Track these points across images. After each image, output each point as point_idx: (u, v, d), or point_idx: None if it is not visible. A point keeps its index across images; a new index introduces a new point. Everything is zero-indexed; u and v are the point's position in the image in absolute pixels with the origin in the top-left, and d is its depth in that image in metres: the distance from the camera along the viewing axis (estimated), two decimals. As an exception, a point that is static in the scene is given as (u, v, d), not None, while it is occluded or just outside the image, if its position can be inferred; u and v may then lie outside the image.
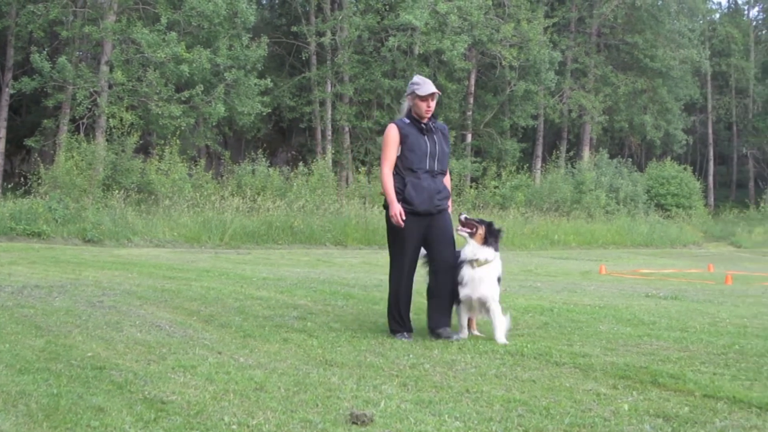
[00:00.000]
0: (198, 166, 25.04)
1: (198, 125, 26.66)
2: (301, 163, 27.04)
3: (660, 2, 38.45)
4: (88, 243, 18.48)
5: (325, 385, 4.76)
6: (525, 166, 34.77)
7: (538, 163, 37.30)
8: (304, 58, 31.29)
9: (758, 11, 54.71)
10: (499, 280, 6.61)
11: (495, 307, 6.50)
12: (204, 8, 24.24)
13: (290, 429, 3.84)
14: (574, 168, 34.56)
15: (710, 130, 48.15)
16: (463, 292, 6.49)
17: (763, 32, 53.72)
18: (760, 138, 48.91)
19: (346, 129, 31.29)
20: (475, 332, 6.89)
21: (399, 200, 6.49)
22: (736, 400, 4.54)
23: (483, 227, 6.58)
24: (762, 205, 40.06)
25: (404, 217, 6.46)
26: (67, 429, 3.77)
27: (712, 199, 45.65)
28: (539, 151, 37.90)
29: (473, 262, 6.47)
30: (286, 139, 36.61)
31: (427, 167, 6.59)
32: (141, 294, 8.93)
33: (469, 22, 29.97)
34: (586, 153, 37.95)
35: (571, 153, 37.81)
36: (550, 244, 26.01)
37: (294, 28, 30.62)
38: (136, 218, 20.35)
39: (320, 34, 30.09)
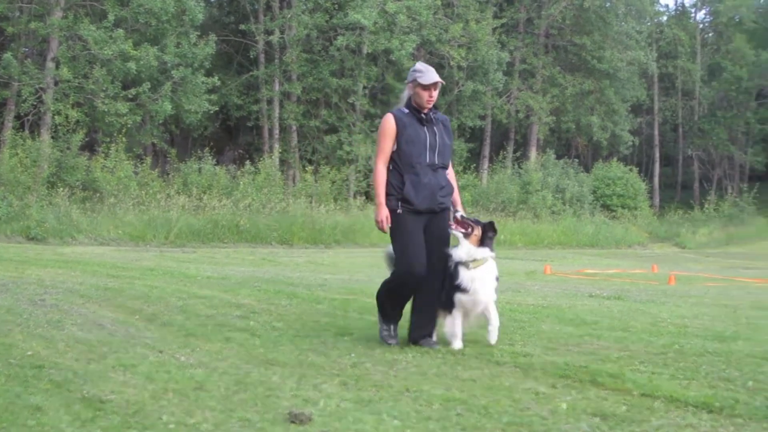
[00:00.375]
0: (144, 164, 25.46)
1: (144, 123, 27.18)
2: (247, 162, 27.75)
3: (608, 4, 39.96)
4: (31, 241, 18.73)
5: (266, 384, 4.88)
6: (472, 167, 35.89)
7: (485, 164, 38.50)
8: (252, 57, 32.04)
9: (705, 14, 57.02)
10: (497, 279, 6.51)
11: (493, 309, 6.45)
12: (152, 5, 24.85)
13: (228, 428, 3.96)
14: (521, 168, 35.85)
15: (656, 132, 50.21)
16: (464, 297, 6.30)
17: (710, 35, 55.92)
18: (706, 140, 51.08)
19: (294, 128, 32.20)
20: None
21: (398, 198, 6.33)
22: (673, 399, 4.75)
23: (479, 228, 6.39)
24: (706, 206, 41.97)
25: (390, 224, 6.30)
26: (3, 429, 3.84)
27: (658, 200, 47.56)
28: (486, 151, 39.15)
29: (469, 263, 6.29)
30: (233, 137, 37.32)
31: (428, 160, 6.38)
32: (83, 292, 9.03)
33: (417, 22, 31.09)
34: (533, 153, 39.37)
35: (518, 153, 38.94)
36: (496, 245, 26.69)
37: (242, 26, 31.31)
38: (80, 216, 20.55)
39: (269, 33, 30.89)
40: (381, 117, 25.66)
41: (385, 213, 6.26)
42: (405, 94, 6.59)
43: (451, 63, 32.80)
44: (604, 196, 37.40)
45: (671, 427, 4.19)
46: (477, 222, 6.43)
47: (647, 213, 39.31)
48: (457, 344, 6.32)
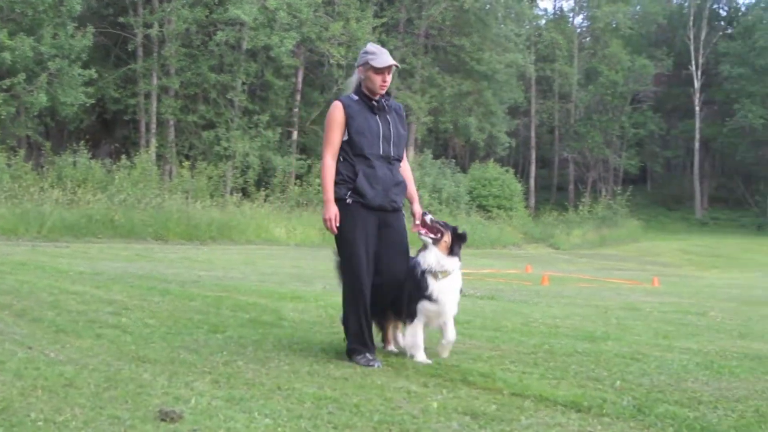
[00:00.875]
0: (17, 157, 25.62)
1: (19, 114, 27.69)
2: (123, 156, 28.42)
3: (488, 6, 42.63)
4: None
5: (137, 381, 4.96)
6: None
7: None
8: (130, 50, 32.91)
9: (583, 19, 60.83)
10: (461, 291, 6.35)
11: (451, 322, 6.25)
12: (29, -5, 25.50)
13: (98, 426, 4.00)
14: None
15: (533, 134, 53.53)
16: (431, 307, 6.09)
17: (587, 39, 59.69)
18: (581, 143, 54.70)
19: (171, 122, 33.40)
20: (392, 347, 6.62)
21: (348, 188, 6.05)
22: (542, 398, 5.02)
23: (449, 233, 6.14)
24: (580, 208, 45.07)
25: (338, 223, 6.02)
26: None
27: (533, 202, 50.62)
28: (363, 149, 40.93)
29: (438, 274, 6.07)
30: (109, 131, 37.67)
31: (381, 152, 6.08)
32: (-50, 288, 9.04)
33: (298, 19, 32.73)
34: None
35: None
36: None
37: (121, 19, 31.98)
38: (-50, 209, 20.52)
39: (148, 26, 31.95)
40: (260, 113, 27.43)
41: (333, 211, 5.99)
42: (353, 79, 6.29)
43: (331, 61, 34.58)
44: (480, 196, 39.66)
45: (540, 426, 4.40)
46: (446, 226, 6.21)
47: (523, 214, 41.61)
48: (421, 357, 6.15)
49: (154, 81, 32.74)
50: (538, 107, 54.26)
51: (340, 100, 6.18)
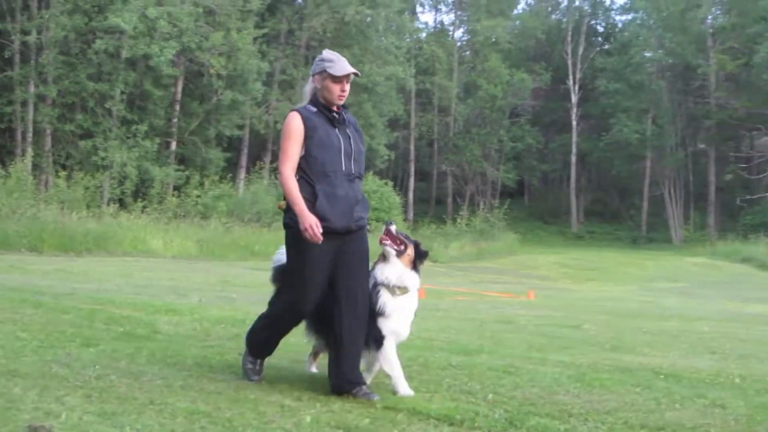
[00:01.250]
0: None
1: None
2: None
3: (369, 19, 44.25)
4: None
5: (6, 396, 4.96)
6: (228, 176, 38.24)
7: (242, 174, 41.53)
8: (6, 57, 33.32)
9: (463, 33, 63.44)
10: (414, 314, 6.09)
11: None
12: None
13: None
14: (277, 179, 37.99)
15: (412, 147, 55.66)
16: (390, 324, 5.86)
17: (467, 53, 62.25)
18: (460, 156, 57.01)
19: (48, 131, 33.99)
20: (315, 369, 6.53)
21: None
22: (415, 411, 5.20)
23: (412, 247, 6.00)
24: (459, 221, 46.50)
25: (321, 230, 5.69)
26: None
27: (412, 215, 52.48)
28: (243, 161, 42.47)
29: (396, 289, 5.87)
30: None
31: (343, 169, 5.88)
32: None
33: (178, 29, 33.98)
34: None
35: (275, 164, 40.85)
36: (250, 255, 28.30)
37: None
38: None
39: (25, 33, 32.54)
40: (138, 123, 28.66)
41: (312, 219, 5.66)
42: (308, 89, 6.12)
43: (211, 71, 35.87)
44: None
45: (413, 439, 4.45)
46: (409, 238, 6.08)
47: (401, 227, 42.91)
48: (404, 388, 5.86)
49: (31, 89, 33.26)
50: (417, 120, 56.22)
51: (298, 111, 5.95)
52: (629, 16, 66.39)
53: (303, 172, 5.82)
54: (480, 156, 57.98)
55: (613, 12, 70.17)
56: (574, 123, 62.28)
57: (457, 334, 9.77)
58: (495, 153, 60.21)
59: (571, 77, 62.35)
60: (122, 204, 32.01)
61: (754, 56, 51.15)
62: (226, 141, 41.13)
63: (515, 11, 67.69)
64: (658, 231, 59.09)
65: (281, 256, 6.24)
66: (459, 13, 62.26)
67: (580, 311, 15.23)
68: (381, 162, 47.78)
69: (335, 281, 5.89)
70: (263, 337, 6.21)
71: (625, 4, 67.19)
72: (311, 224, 5.65)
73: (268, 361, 6.46)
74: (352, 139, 6.01)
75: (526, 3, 72.03)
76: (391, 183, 45.07)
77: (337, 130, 5.95)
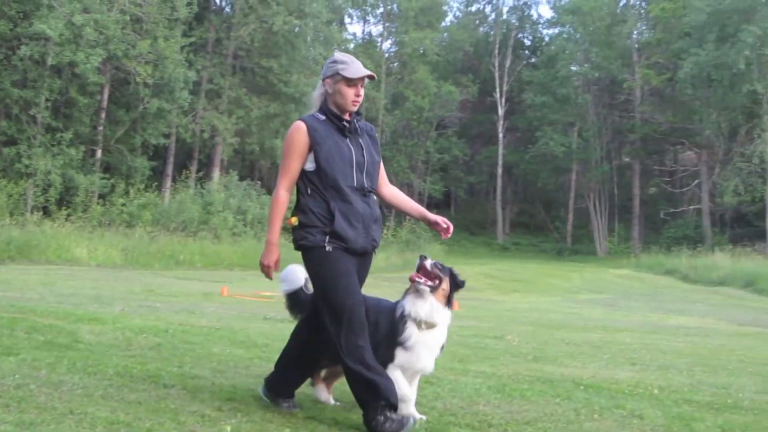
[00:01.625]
0: None
1: None
2: None
3: (297, 29, 45.00)
4: None
5: None
6: (154, 185, 38.35)
7: (168, 183, 41.73)
8: None
9: (391, 44, 64.29)
10: (442, 348, 5.81)
11: (416, 383, 5.87)
12: None
13: None
14: (203, 189, 39.14)
15: (339, 158, 55.93)
16: (405, 357, 5.61)
17: (395, 65, 63.08)
18: (387, 167, 56.20)
19: (-30, 139, 33.90)
20: (332, 400, 6.20)
21: (325, 231, 5.44)
22: (336, 422, 5.38)
23: (447, 280, 5.69)
24: (385, 232, 46.10)
25: (275, 270, 5.60)
26: None
27: None
28: (169, 170, 42.69)
29: (423, 324, 5.61)
30: None
31: (356, 183, 5.53)
32: None
33: (105, 36, 34.20)
34: (216, 174, 43.56)
35: (201, 173, 42.42)
36: (175, 264, 29.02)
37: None
38: None
39: None
40: (63, 131, 29.26)
41: (275, 256, 5.52)
42: (317, 94, 5.80)
43: (137, 79, 36.11)
44: (285, 218, 41.32)
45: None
46: (443, 269, 5.74)
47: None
48: (411, 410, 5.67)
49: (-46, 95, 33.22)
50: None
51: (304, 121, 5.61)
52: (556, 30, 67.92)
53: (315, 187, 5.51)
54: (407, 167, 58.98)
55: (540, 26, 71.76)
56: (500, 135, 63.72)
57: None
58: (422, 164, 61.37)
59: (498, 90, 63.72)
60: (46, 212, 32.31)
61: (678, 71, 52.73)
62: (152, 149, 41.29)
63: (443, 23, 68.83)
64: (583, 243, 60.63)
65: (292, 276, 6.12)
66: (387, 24, 63.11)
67: (504, 322, 15.51)
68: (303, 175, 48.03)
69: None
70: (296, 374, 5.96)
71: (553, 18, 68.42)
72: (269, 263, 5.53)
73: (191, 370, 6.62)
74: (365, 150, 5.67)
75: (455, 16, 73.59)
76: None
77: (348, 140, 5.62)
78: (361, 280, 5.70)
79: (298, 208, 5.63)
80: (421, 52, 60.61)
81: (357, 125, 5.71)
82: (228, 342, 8.93)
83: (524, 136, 65.81)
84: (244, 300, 17.42)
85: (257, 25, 43.12)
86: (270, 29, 42.80)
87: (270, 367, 6.28)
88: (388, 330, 5.68)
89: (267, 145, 44.74)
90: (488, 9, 70.47)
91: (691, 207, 57.00)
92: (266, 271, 5.54)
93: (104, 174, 37.48)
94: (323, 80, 5.71)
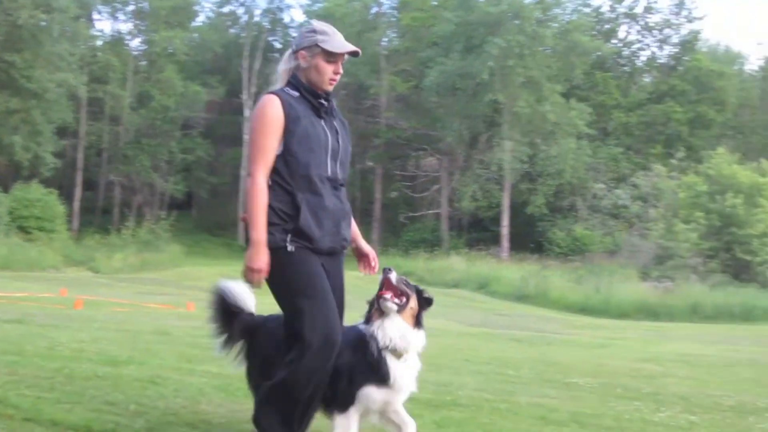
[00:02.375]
0: None
1: None
2: None
3: (43, 23, 45.17)
4: None
5: None
6: None
7: None
8: None
9: (140, 42, 64.39)
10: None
11: (402, 409, 5.21)
12: None
13: None
14: None
15: (80, 155, 56.44)
16: (378, 395, 5.00)
17: (143, 63, 63.62)
18: (129, 166, 58.26)
19: None
20: None
21: (286, 229, 4.77)
22: (55, 423, 5.32)
23: (414, 297, 5.18)
24: (124, 232, 48.51)
25: (267, 274, 4.74)
26: None
27: (77, 224, 53.43)
28: None
29: (397, 353, 5.01)
30: None
31: (329, 173, 4.94)
32: None
33: None
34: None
35: None
36: None
37: None
38: None
39: None
40: None
41: (265, 258, 4.71)
42: (283, 69, 5.12)
43: None
44: (21, 217, 41.73)
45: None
46: (409, 285, 5.24)
47: (65, 236, 44.14)
48: None
49: None
50: (88, 129, 57.02)
51: (276, 94, 4.92)
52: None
53: (279, 176, 4.82)
54: (149, 167, 59.21)
55: (291, 29, 73.69)
56: (245, 137, 64.13)
57: (109, 344, 9.77)
58: (165, 164, 61.78)
59: (246, 91, 64.73)
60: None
61: (424, 79, 56.60)
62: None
63: (194, 23, 69.50)
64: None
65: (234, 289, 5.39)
66: (137, 22, 63.38)
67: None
68: (47, 170, 47.96)
69: None
70: (297, 410, 4.85)
71: (304, 21, 70.24)
72: (260, 267, 4.72)
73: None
74: (340, 136, 5.07)
75: (207, 16, 74.17)
76: (56, 192, 46.11)
77: (323, 122, 5.00)
78: (337, 288, 5.07)
79: None
80: (170, 51, 61.24)
81: (333, 107, 5.13)
82: None
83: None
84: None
85: (2, 17, 43.18)
86: (14, 23, 42.94)
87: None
88: (356, 365, 5.03)
89: (5, 141, 44.60)
90: (241, 11, 72.09)
91: (430, 211, 60.96)
92: (256, 276, 4.75)
93: None
94: (296, 52, 5.07)
